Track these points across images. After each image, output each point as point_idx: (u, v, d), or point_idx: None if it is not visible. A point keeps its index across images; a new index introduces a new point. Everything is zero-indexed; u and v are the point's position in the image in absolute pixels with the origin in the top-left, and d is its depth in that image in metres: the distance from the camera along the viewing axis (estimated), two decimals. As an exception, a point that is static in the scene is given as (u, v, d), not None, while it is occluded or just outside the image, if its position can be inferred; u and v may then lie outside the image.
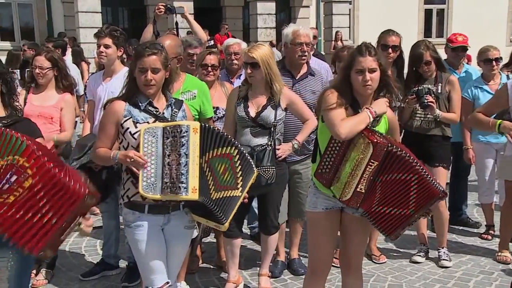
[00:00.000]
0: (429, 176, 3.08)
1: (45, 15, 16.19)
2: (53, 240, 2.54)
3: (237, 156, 3.04)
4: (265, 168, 3.86)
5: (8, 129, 2.52)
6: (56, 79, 4.49)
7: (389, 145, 2.99)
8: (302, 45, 4.32)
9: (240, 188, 3.05)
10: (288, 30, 4.43)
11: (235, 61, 5.05)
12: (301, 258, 4.71)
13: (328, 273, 3.45)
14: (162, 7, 5.08)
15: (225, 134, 3.08)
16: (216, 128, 3.07)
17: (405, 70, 4.86)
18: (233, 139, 3.14)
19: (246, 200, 3.20)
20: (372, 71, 3.09)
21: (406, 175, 3.02)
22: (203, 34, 5.19)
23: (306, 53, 4.36)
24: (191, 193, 2.84)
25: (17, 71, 7.58)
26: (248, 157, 3.13)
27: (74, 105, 4.66)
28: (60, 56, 4.79)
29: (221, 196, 2.97)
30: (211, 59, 4.47)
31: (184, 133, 2.84)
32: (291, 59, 4.44)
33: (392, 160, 3.01)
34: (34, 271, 4.34)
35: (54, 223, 2.49)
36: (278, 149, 4.00)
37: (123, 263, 4.71)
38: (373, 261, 4.86)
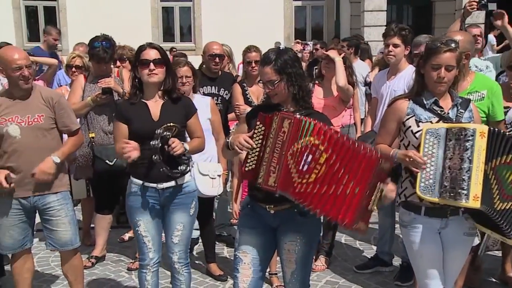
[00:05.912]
0: None
1: (334, 15, 17.06)
2: (360, 209, 2.63)
3: None
4: None
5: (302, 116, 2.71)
6: None
7: None
8: None
9: None
10: None
11: None
12: None
13: None
14: (475, 3, 4.86)
15: None
16: (507, 133, 2.83)
17: None
18: None
19: None
20: None
21: None
22: None
23: None
24: (472, 200, 2.69)
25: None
26: None
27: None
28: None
29: (508, 207, 2.75)
30: None
31: (469, 137, 2.70)
32: None
33: None
34: (314, 257, 4.64)
35: (357, 191, 2.61)
36: None
37: (396, 261, 4.71)
38: None
